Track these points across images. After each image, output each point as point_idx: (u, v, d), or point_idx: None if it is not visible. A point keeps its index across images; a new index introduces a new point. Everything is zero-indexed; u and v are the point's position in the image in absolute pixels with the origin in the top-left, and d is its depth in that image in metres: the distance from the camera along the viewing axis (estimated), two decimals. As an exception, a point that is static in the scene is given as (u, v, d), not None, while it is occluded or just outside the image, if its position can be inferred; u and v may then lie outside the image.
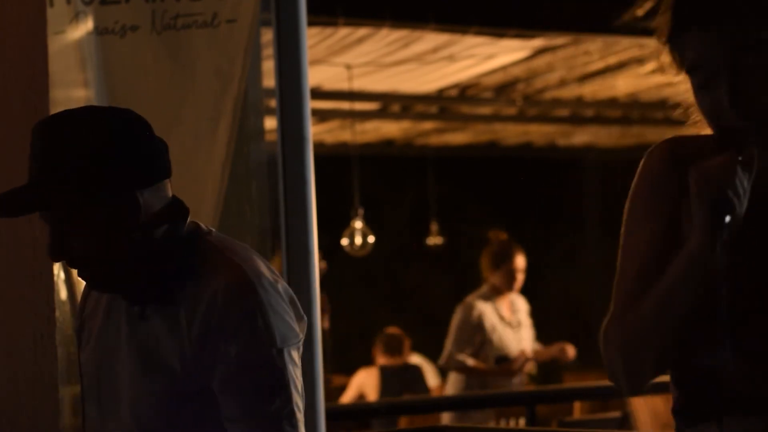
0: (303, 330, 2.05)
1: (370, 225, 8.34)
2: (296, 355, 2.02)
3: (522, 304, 6.73)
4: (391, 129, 10.28)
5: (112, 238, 1.98)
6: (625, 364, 1.71)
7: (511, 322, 6.61)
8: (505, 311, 6.62)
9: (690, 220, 1.67)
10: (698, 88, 1.72)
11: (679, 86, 1.78)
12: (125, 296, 2.05)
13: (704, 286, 1.65)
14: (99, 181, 1.96)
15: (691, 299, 1.66)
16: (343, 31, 6.93)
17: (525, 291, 6.77)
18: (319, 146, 9.05)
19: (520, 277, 6.63)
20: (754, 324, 1.72)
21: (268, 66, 3.71)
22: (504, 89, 8.90)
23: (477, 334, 6.55)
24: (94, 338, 2.12)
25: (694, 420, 1.77)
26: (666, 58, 1.75)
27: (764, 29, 1.65)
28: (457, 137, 10.79)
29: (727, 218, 1.61)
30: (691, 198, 1.64)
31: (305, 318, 2.07)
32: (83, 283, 2.14)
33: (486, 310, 6.59)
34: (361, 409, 5.41)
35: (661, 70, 1.76)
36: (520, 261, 6.62)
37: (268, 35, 3.86)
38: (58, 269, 3.15)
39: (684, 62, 1.72)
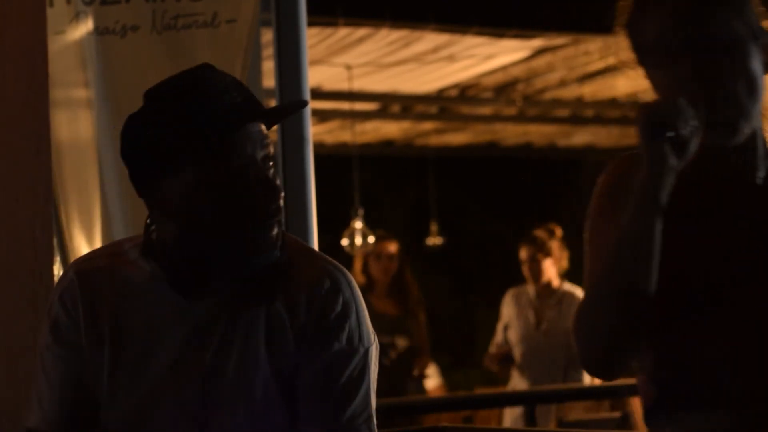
0: None
1: (370, 225, 8.34)
2: (376, 354, 1.95)
3: (557, 299, 6.46)
4: (391, 129, 10.28)
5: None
6: (583, 351, 1.74)
7: (531, 317, 6.52)
8: (534, 303, 6.54)
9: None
10: (654, 68, 1.79)
11: None
12: (247, 292, 1.89)
13: (650, 243, 1.68)
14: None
15: (637, 259, 1.68)
16: (343, 32, 6.93)
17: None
18: (319, 146, 9.05)
19: (524, 270, 6.52)
20: (728, 313, 1.73)
21: (268, 66, 3.71)
22: (504, 89, 8.90)
23: (499, 324, 6.55)
24: (150, 345, 1.91)
25: (671, 412, 1.77)
26: (624, 45, 1.82)
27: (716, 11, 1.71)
28: (457, 137, 10.79)
29: (668, 136, 1.68)
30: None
31: None
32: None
33: (512, 300, 6.53)
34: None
35: (620, 64, 1.83)
36: (522, 253, 6.52)
37: (268, 35, 3.86)
38: (57, 269, 3.15)
39: (641, 46, 1.79)
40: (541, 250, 6.42)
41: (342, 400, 1.89)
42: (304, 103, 2.01)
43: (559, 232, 6.55)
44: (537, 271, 6.43)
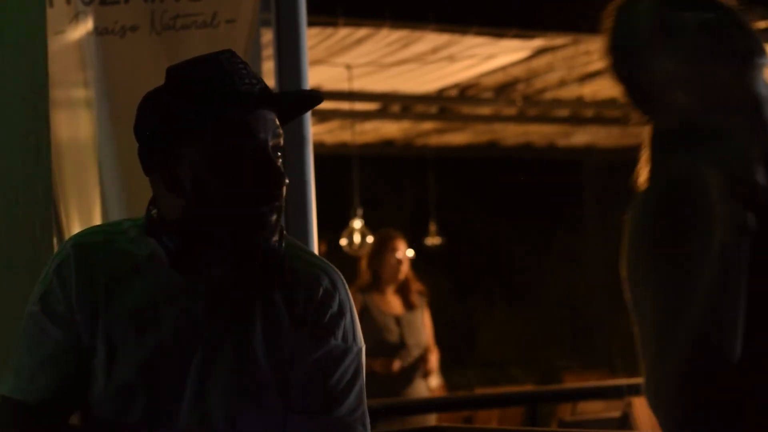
0: None
1: (370, 225, 8.34)
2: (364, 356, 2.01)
3: None
4: (391, 129, 10.29)
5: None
6: None
7: None
8: None
9: None
10: None
11: None
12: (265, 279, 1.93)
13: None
14: None
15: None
16: (343, 32, 6.93)
17: (525, 291, 6.73)
18: (319, 146, 9.05)
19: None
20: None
21: (268, 66, 3.71)
22: (504, 89, 8.90)
23: None
24: (154, 328, 1.91)
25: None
26: None
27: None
28: (457, 137, 10.79)
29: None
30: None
31: None
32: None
33: None
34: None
35: None
36: None
37: (268, 35, 3.86)
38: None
39: None
40: None
41: (338, 396, 1.92)
42: (319, 98, 2.06)
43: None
44: None
